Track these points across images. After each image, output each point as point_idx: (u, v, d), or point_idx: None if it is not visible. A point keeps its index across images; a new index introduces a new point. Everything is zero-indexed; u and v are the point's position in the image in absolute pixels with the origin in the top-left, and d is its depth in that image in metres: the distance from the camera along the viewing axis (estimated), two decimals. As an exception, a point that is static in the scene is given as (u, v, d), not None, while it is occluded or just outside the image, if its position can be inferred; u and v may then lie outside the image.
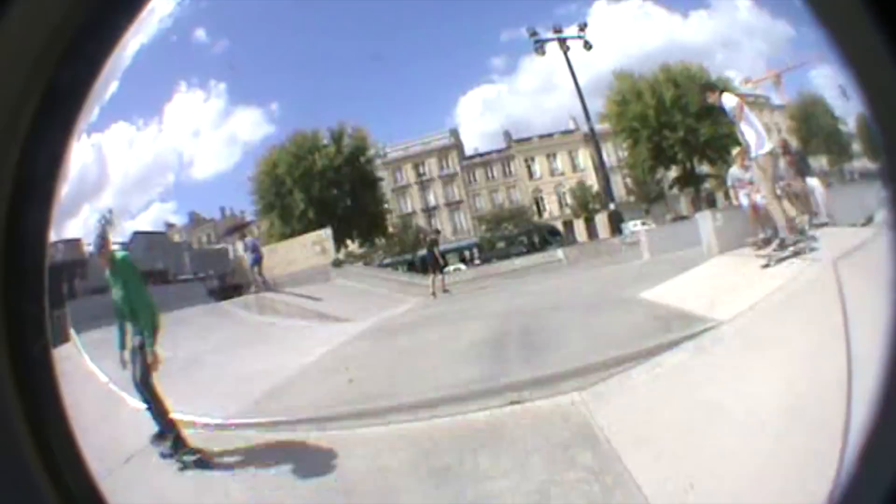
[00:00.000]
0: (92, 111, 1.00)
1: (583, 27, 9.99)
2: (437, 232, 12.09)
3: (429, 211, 14.15)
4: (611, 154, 12.13)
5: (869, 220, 4.78)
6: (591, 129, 10.71)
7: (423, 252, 11.08)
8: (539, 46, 9.93)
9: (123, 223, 10.20)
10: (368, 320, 7.54)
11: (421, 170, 14.13)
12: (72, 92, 0.94)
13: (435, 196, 14.12)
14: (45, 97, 0.88)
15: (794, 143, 8.96)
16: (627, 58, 11.20)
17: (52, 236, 0.99)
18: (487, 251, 13.32)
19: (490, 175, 13.93)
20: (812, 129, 10.41)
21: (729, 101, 5.61)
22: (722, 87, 7.61)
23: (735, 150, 6.89)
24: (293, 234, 11.10)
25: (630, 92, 10.57)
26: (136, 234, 10.46)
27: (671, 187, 12.27)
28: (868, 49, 0.92)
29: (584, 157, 12.57)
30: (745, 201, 6.31)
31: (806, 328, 3.13)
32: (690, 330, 3.85)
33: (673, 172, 11.84)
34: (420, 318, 7.51)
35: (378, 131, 12.18)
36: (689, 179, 11.09)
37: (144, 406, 3.76)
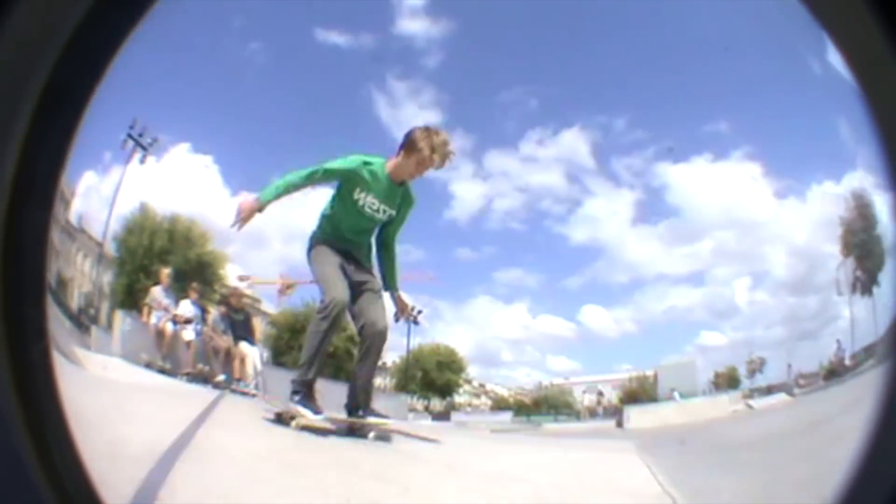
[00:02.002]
0: (92, 112, 1.00)
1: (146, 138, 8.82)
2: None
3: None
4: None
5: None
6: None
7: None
8: (126, 140, 8.60)
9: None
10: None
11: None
12: (72, 92, 0.94)
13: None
14: (45, 97, 0.88)
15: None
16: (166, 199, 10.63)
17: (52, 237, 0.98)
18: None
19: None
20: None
21: None
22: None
23: (164, 270, 6.78)
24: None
25: (138, 226, 10.31)
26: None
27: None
28: (869, 47, 0.92)
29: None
30: (154, 321, 6.27)
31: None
32: None
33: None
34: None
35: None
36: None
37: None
